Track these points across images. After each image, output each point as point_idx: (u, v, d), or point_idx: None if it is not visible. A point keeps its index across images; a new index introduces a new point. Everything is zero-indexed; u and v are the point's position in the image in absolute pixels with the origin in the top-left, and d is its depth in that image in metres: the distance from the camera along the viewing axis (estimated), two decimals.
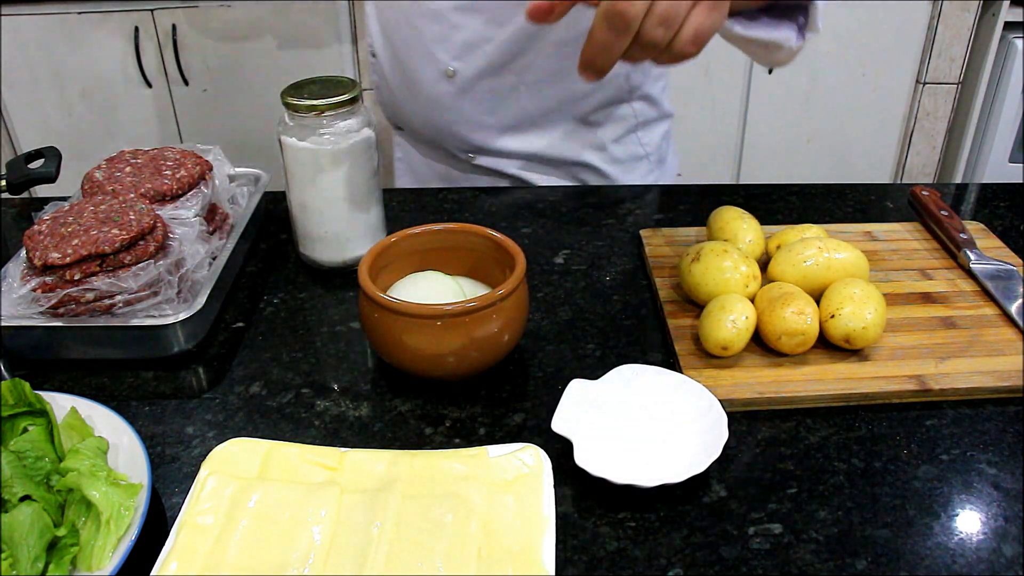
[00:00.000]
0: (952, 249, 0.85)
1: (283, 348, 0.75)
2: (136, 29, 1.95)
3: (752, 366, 0.70)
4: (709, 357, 0.70)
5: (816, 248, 0.75)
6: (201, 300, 0.72)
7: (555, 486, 0.58)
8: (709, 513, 0.58)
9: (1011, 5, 1.96)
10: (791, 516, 0.58)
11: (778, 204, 0.99)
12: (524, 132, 1.03)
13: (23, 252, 0.73)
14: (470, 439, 0.64)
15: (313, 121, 0.79)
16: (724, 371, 0.69)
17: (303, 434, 0.65)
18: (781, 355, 0.70)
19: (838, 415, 0.66)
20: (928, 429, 0.65)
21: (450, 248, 0.75)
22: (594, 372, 0.69)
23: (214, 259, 0.80)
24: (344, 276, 0.85)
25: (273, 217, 0.96)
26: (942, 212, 0.88)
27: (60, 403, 0.62)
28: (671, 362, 0.72)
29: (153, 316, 0.71)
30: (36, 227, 0.72)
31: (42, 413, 0.60)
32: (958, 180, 2.19)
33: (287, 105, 0.79)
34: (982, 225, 0.90)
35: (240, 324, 0.78)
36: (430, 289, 0.73)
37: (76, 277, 0.69)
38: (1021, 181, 1.09)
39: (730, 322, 0.68)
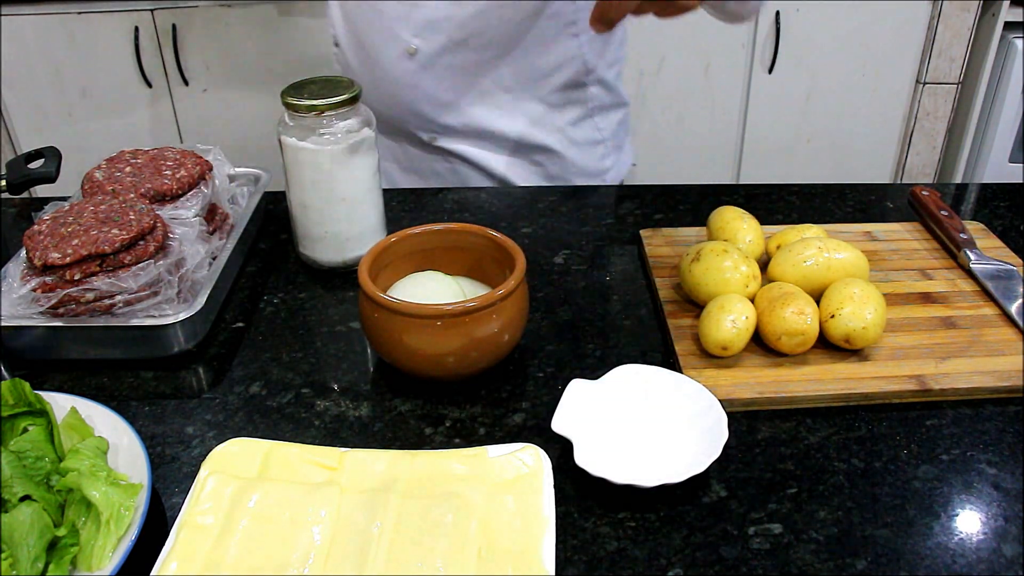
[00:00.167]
0: (952, 249, 0.85)
1: (283, 348, 0.75)
2: (136, 29, 1.95)
3: (752, 366, 0.70)
4: (709, 357, 0.70)
5: (816, 248, 0.75)
6: (201, 300, 0.72)
7: (555, 486, 0.58)
8: (709, 513, 0.58)
9: (1011, 5, 1.96)
10: (791, 516, 0.58)
11: (778, 204, 0.99)
12: (484, 111, 1.05)
13: (23, 252, 0.73)
14: (470, 439, 0.64)
15: (313, 121, 0.79)
16: (724, 371, 0.69)
17: (303, 434, 0.65)
18: (781, 355, 0.70)
19: (838, 415, 0.66)
20: (928, 429, 0.65)
21: (450, 248, 0.75)
22: (594, 372, 0.69)
23: (214, 259, 0.80)
24: (344, 276, 0.85)
25: (273, 217, 0.96)
26: (942, 212, 0.88)
27: (60, 403, 0.62)
28: (671, 362, 0.72)
29: (153, 316, 0.71)
30: (36, 227, 0.72)
31: (42, 413, 0.60)
32: (958, 180, 2.19)
33: (287, 105, 0.79)
34: (982, 225, 0.90)
35: (240, 324, 0.78)
36: (430, 289, 0.73)
37: (76, 277, 0.69)
38: (1021, 181, 1.09)
39: (730, 322, 0.68)
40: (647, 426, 0.64)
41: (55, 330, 0.70)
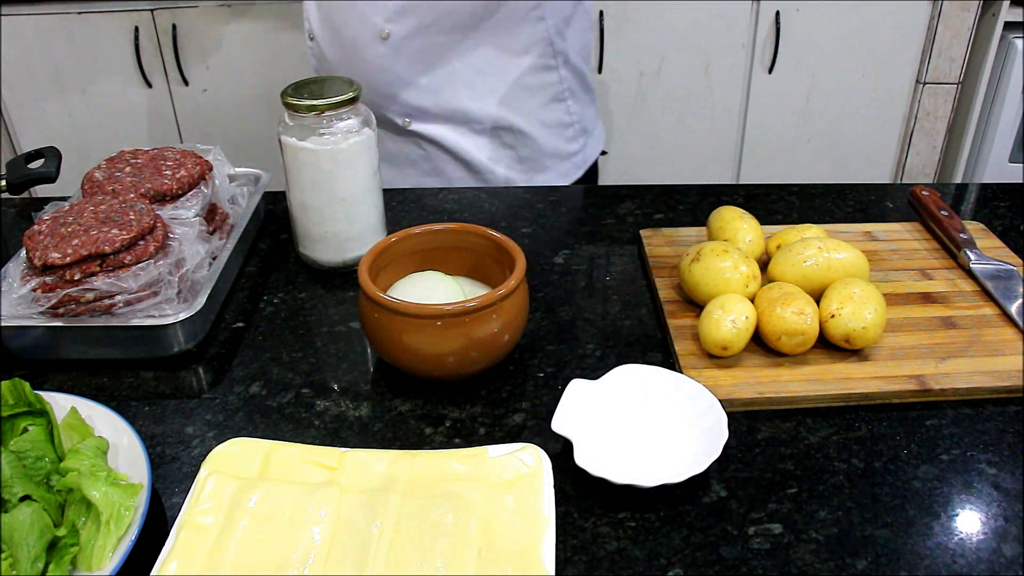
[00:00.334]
0: (952, 249, 0.85)
1: (283, 348, 0.75)
2: (136, 29, 1.95)
3: (752, 366, 0.70)
4: (709, 357, 0.70)
5: (816, 248, 0.75)
6: (201, 300, 0.72)
7: (555, 486, 0.58)
8: (709, 513, 0.58)
9: (1011, 5, 1.96)
10: (791, 516, 0.58)
11: (778, 204, 0.99)
12: (456, 92, 1.08)
13: (23, 252, 0.73)
14: (470, 439, 0.64)
15: (313, 121, 0.79)
16: (724, 371, 0.69)
17: (303, 434, 0.65)
18: (781, 355, 0.70)
19: (838, 415, 0.66)
20: (928, 429, 0.65)
21: (450, 248, 0.75)
22: (594, 372, 0.69)
23: (214, 259, 0.80)
24: (344, 276, 0.85)
25: (273, 217, 0.96)
26: (942, 212, 0.88)
27: (60, 403, 0.62)
28: (671, 362, 0.72)
29: (153, 316, 0.71)
30: (36, 227, 0.72)
31: (42, 413, 0.60)
32: (958, 180, 2.19)
33: (287, 105, 0.79)
34: (982, 225, 0.90)
35: (240, 324, 0.78)
36: (430, 289, 0.73)
37: (76, 277, 0.69)
38: (1021, 181, 1.09)
39: (730, 322, 0.68)
40: (647, 426, 0.64)
41: (55, 330, 0.70)
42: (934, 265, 0.84)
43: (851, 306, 0.69)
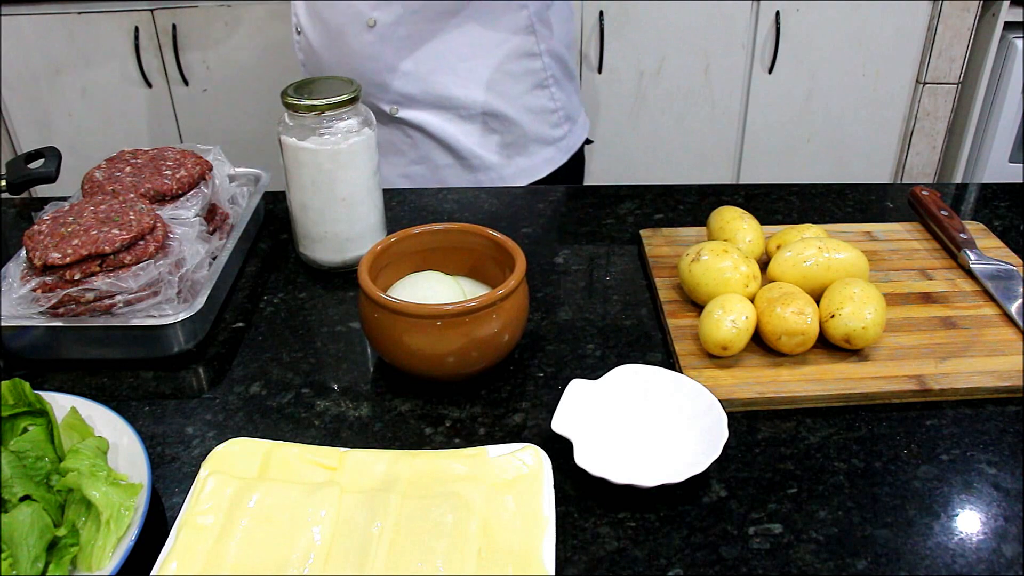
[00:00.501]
0: (952, 249, 0.85)
1: (283, 348, 0.75)
2: (136, 29, 1.95)
3: (752, 366, 0.70)
4: (709, 357, 0.70)
5: (816, 248, 0.75)
6: (201, 300, 0.72)
7: (555, 486, 0.58)
8: (709, 513, 0.58)
9: (1011, 5, 1.96)
10: (791, 516, 0.58)
11: (778, 204, 0.99)
12: (442, 78, 1.10)
13: (23, 252, 0.73)
14: (470, 439, 0.64)
15: (313, 121, 0.79)
16: (724, 371, 0.69)
17: (303, 434, 0.65)
18: (781, 355, 0.70)
19: (838, 415, 0.66)
20: (928, 429, 0.65)
21: (450, 248, 0.75)
22: (594, 372, 0.69)
23: (214, 259, 0.80)
24: (344, 276, 0.85)
25: (273, 217, 0.96)
26: (942, 212, 0.88)
27: (60, 403, 0.62)
28: (671, 362, 0.72)
29: (153, 316, 0.71)
30: (36, 227, 0.72)
31: (42, 413, 0.60)
32: (958, 180, 2.19)
33: (287, 105, 0.79)
34: (982, 225, 0.90)
35: (240, 324, 0.78)
36: (430, 289, 0.73)
37: (76, 277, 0.69)
38: (1021, 181, 1.09)
39: (730, 322, 0.68)
40: (647, 426, 0.64)
41: (55, 330, 0.70)
42: (934, 265, 0.84)
43: (851, 306, 0.69)
